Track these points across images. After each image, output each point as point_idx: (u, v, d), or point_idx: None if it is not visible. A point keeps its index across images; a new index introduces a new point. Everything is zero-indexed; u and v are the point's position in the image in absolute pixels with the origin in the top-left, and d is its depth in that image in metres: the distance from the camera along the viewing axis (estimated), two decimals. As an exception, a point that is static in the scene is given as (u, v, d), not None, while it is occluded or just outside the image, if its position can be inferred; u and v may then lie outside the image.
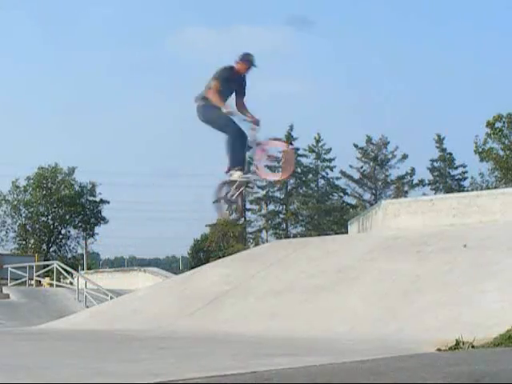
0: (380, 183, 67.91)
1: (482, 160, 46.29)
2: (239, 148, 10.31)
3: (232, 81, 10.27)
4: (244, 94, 10.50)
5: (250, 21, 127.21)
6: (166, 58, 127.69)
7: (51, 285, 31.52)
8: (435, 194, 59.25)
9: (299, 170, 68.71)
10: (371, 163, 67.47)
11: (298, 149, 69.17)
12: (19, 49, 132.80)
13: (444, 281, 9.28)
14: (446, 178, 67.08)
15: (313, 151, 69.06)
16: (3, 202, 54.80)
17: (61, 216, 55.47)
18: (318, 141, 68.82)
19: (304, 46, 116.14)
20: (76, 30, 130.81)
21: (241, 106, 10.34)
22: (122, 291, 23.69)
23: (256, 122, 10.27)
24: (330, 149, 68.81)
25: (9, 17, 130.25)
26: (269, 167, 10.44)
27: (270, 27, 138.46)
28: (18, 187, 55.04)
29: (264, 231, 68.14)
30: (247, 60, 10.39)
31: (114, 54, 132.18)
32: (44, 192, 54.36)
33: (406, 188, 67.03)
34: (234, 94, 10.43)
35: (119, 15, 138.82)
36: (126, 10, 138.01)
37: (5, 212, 54.90)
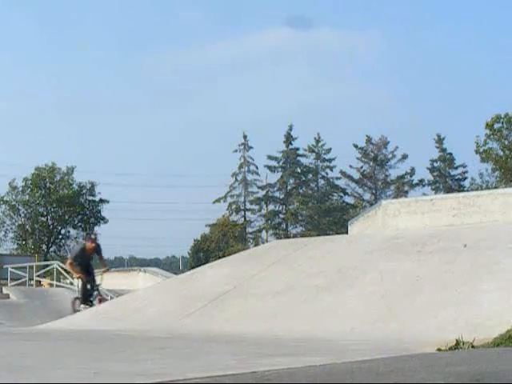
0: (380, 183, 67.91)
1: (482, 160, 46.33)
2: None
3: (84, 255, 15.66)
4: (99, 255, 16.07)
5: (250, 22, 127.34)
6: (164, 62, 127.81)
7: (51, 285, 31.52)
8: (435, 194, 59.27)
9: (299, 170, 68.77)
10: (371, 163, 67.46)
11: (297, 149, 69.22)
12: (18, 48, 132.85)
13: (444, 281, 9.28)
14: (446, 177, 67.08)
15: (313, 151, 69.05)
16: (1, 202, 54.72)
17: (60, 216, 55.42)
18: (318, 141, 68.81)
19: (302, 46, 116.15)
20: (79, 30, 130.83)
21: (100, 259, 16.32)
22: (122, 291, 23.67)
23: (106, 271, 16.85)
24: (330, 149, 68.83)
25: (9, 17, 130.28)
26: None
27: (268, 29, 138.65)
28: (15, 188, 54.93)
29: (264, 231, 68.14)
30: (91, 239, 16.04)
31: (110, 58, 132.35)
32: (42, 192, 54.29)
33: (406, 188, 67.05)
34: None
35: (107, 20, 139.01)
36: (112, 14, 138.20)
37: (3, 212, 54.84)
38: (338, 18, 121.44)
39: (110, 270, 17.35)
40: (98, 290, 16.00)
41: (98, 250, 16.13)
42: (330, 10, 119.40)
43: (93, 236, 17.18)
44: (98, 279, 16.41)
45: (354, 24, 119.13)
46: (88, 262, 16.11)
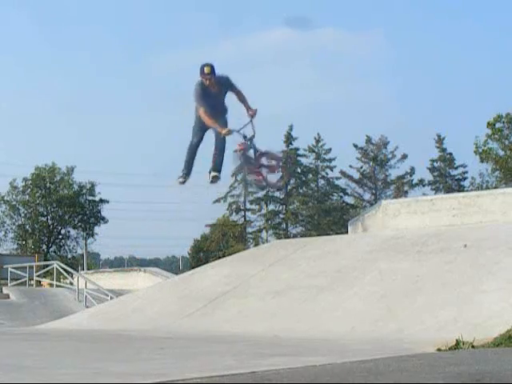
0: (380, 183, 67.89)
1: (482, 161, 46.35)
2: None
3: (210, 94, 10.46)
4: (236, 91, 10.61)
5: (252, 22, 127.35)
6: (162, 64, 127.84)
7: (51, 285, 31.50)
8: (435, 194, 59.26)
9: (299, 170, 68.76)
10: (371, 163, 67.45)
11: (297, 149, 69.20)
12: (19, 48, 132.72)
13: (444, 281, 9.28)
14: (446, 178, 67.06)
15: (313, 151, 69.04)
16: (2, 202, 54.71)
17: (60, 216, 55.40)
18: (318, 141, 68.81)
19: (304, 46, 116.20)
20: (80, 31, 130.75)
21: (241, 100, 10.58)
22: (122, 291, 23.69)
23: (254, 113, 10.62)
24: (330, 149, 68.82)
25: (9, 16, 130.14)
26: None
27: (270, 29, 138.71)
28: (15, 187, 54.94)
29: (264, 231, 68.13)
30: (204, 72, 10.45)
31: (111, 58, 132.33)
32: (42, 192, 54.29)
33: (406, 188, 67.03)
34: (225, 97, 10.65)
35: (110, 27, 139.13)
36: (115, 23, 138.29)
37: (3, 212, 54.82)
38: (339, 19, 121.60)
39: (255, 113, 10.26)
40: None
41: (222, 81, 10.41)
42: (332, 11, 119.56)
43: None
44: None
45: (355, 24, 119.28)
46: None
